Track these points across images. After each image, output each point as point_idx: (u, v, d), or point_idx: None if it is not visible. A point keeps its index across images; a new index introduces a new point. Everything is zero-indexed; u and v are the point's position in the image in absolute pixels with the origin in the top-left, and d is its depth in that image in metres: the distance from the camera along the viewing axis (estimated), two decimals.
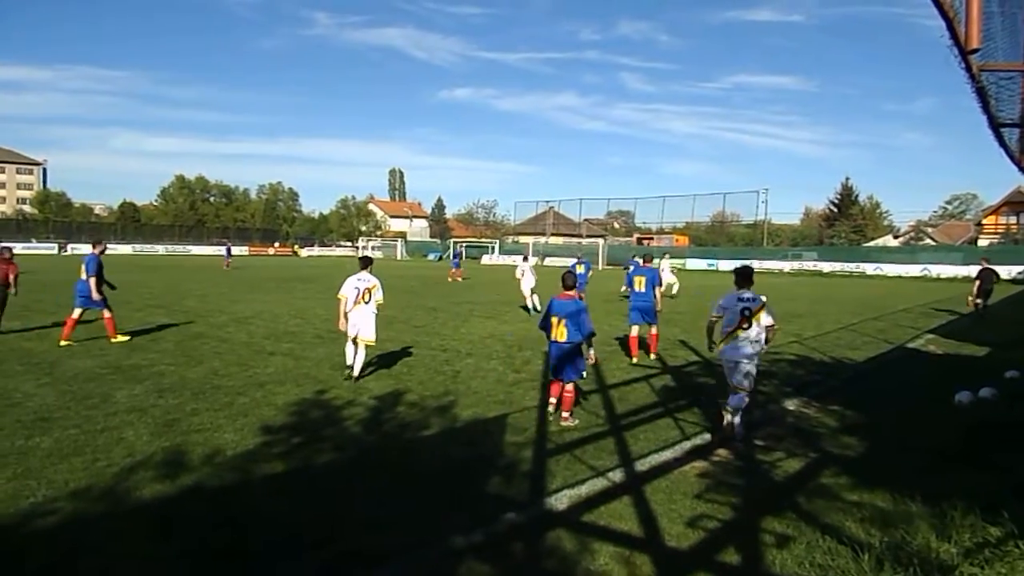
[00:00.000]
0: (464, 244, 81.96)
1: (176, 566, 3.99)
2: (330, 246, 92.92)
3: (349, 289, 9.25)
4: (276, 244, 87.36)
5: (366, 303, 9.22)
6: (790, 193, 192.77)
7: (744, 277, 7.21)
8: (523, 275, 19.93)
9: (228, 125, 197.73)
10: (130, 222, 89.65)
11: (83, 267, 11.99)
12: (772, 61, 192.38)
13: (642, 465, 6.03)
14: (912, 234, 79.76)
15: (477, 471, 5.72)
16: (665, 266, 27.05)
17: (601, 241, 74.75)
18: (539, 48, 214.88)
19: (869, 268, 53.32)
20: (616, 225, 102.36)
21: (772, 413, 8.11)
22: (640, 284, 11.86)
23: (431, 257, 79.21)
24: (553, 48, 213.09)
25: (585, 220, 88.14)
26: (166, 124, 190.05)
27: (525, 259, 21.02)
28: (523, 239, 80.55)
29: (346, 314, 9.14)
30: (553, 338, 7.47)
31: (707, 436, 6.99)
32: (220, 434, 6.53)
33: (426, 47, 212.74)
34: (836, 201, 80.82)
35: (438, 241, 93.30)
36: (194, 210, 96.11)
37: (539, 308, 17.96)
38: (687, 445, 6.67)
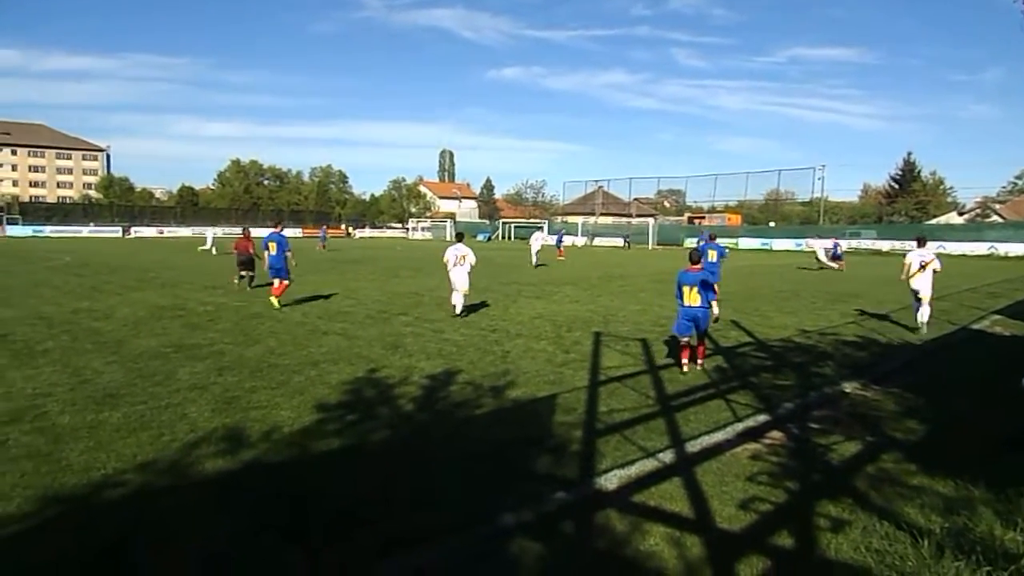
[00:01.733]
0: (513, 224, 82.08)
1: (236, 540, 4.13)
2: (381, 228, 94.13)
3: (449, 255, 13.56)
4: (345, 227, 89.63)
5: (461, 265, 13.42)
6: (848, 170, 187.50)
7: (921, 241, 13.42)
8: (535, 241, 31.75)
9: (281, 109, 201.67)
10: (189, 205, 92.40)
11: (274, 244, 14.70)
12: (830, 33, 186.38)
13: (693, 446, 5.98)
14: (978, 211, 76.34)
15: (526, 450, 5.75)
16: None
17: (651, 221, 73.74)
18: (588, 25, 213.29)
19: (931, 246, 51.34)
20: (666, 204, 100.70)
21: (829, 396, 7.92)
22: (712, 256, 16.58)
23: (480, 238, 79.40)
24: (602, 25, 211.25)
25: (635, 200, 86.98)
26: (222, 109, 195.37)
27: (540, 229, 37.09)
28: (572, 219, 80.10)
29: (448, 272, 13.53)
30: (687, 303, 9.07)
31: (759, 418, 6.89)
32: (277, 411, 6.72)
33: (475, 27, 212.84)
34: (897, 177, 78.14)
35: (487, 222, 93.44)
36: (249, 193, 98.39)
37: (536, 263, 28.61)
38: (739, 427, 6.58)
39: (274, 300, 14.37)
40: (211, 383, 7.79)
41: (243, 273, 18.43)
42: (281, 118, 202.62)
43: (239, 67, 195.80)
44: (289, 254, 14.80)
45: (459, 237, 14.01)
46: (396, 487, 4.93)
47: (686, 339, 9.09)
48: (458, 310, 13.29)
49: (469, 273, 13.45)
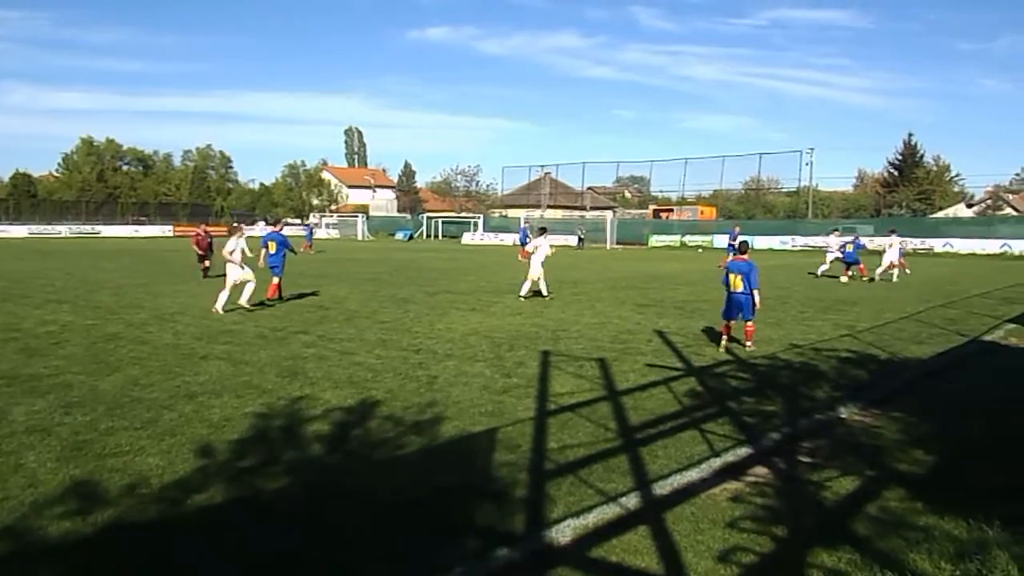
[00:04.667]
0: (440, 219, 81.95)
1: None
2: (276, 224, 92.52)
3: (530, 246, 20.92)
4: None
5: (533, 254, 20.22)
6: (840, 154, 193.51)
7: (891, 231, 29.94)
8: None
9: (146, 76, 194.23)
10: (24, 197, 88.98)
11: (273, 244, 18.33)
12: None
13: (662, 488, 6.07)
14: (989, 202, 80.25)
15: (461, 498, 5.75)
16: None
17: (609, 214, 74.82)
18: None
19: (937, 244, 53.69)
20: (627, 194, 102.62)
21: (822, 423, 8.17)
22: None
23: (400, 236, 79.11)
24: None
25: (589, 189, 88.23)
26: (70, 76, 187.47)
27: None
28: (513, 212, 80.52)
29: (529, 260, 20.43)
30: (733, 289, 12.55)
31: (740, 451, 7.06)
32: (143, 458, 6.53)
33: None
34: (897, 163, 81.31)
35: (407, 216, 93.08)
36: (104, 182, 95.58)
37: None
38: (717, 463, 6.71)
39: (267, 301, 17.58)
40: (55, 424, 7.52)
41: (203, 265, 25.07)
42: (147, 87, 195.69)
43: (93, 22, 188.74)
44: (286, 251, 18.57)
45: (541, 232, 21.56)
46: (299, 546, 4.86)
47: (727, 321, 12.67)
48: (522, 292, 20.03)
49: (542, 261, 19.92)
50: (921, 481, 6.25)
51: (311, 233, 52.34)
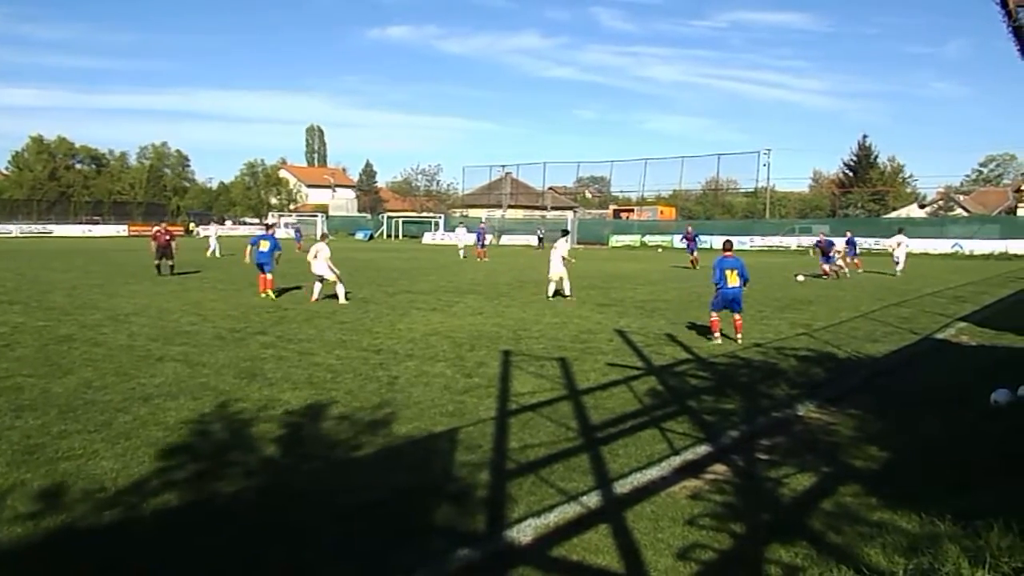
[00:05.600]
0: (401, 219, 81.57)
1: None
2: (236, 223, 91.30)
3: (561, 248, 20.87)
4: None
5: (555, 250, 20.63)
6: (797, 155, 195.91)
7: (899, 230, 33.06)
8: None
9: (101, 73, 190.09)
10: None
11: (266, 243, 20.29)
12: None
13: (622, 486, 6.11)
14: (941, 203, 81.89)
15: (422, 499, 5.74)
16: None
17: (570, 214, 75.07)
18: None
19: (891, 244, 54.59)
20: (588, 194, 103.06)
21: (780, 420, 8.29)
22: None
23: (360, 236, 78.52)
24: None
25: (550, 189, 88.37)
26: (20, 72, 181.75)
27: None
28: (474, 212, 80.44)
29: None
30: (729, 285, 13.22)
31: (700, 449, 7.13)
32: (97, 461, 6.42)
33: None
34: (851, 164, 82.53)
35: (367, 216, 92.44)
36: (56, 180, 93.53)
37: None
38: (676, 461, 6.78)
39: (270, 294, 19.56)
40: (6, 428, 7.36)
41: (158, 262, 25.72)
42: (102, 84, 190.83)
43: (47, 19, 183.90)
44: (278, 254, 20.43)
45: (564, 234, 22.96)
46: (257, 550, 4.81)
47: (717, 315, 13.41)
48: (549, 290, 20.54)
49: (563, 259, 20.35)
50: (876, 477, 6.37)
51: (299, 233, 53.04)
